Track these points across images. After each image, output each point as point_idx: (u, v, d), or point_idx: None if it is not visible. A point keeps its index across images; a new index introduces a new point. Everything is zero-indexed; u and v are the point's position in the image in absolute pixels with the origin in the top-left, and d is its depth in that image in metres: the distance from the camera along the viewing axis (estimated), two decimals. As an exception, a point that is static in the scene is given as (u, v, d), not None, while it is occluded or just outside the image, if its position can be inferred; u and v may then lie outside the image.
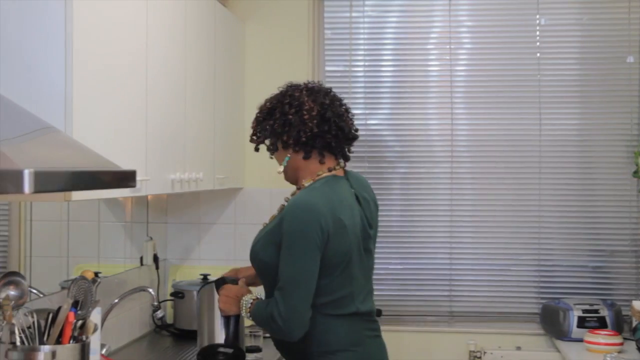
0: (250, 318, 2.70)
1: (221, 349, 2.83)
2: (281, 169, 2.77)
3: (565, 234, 4.31)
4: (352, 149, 2.84)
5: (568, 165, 4.30)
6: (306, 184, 2.71)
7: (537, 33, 4.32)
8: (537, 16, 4.31)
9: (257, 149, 2.85)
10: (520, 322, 4.30)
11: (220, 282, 2.86)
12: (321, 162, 2.72)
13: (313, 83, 2.81)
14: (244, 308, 2.70)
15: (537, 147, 4.29)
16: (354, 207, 2.69)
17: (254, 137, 2.83)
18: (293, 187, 2.83)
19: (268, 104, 2.79)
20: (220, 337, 2.88)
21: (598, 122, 4.29)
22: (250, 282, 2.89)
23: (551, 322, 4.09)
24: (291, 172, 2.77)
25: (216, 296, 2.87)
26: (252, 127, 2.83)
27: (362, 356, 2.69)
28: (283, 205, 2.73)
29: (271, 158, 2.87)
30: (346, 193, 2.71)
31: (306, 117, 2.68)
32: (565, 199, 4.31)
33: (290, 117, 2.69)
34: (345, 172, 2.80)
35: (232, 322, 2.83)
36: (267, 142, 2.79)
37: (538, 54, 4.30)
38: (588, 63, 4.31)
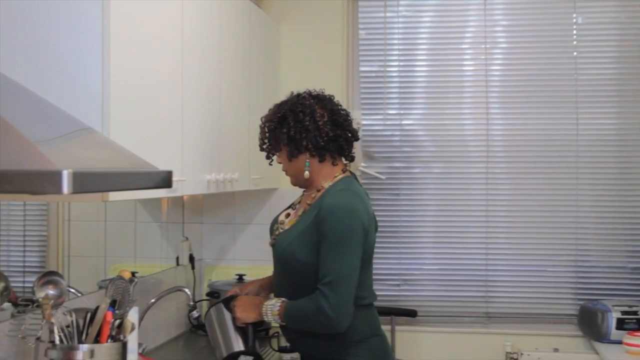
0: (279, 320, 2.79)
1: (243, 357, 2.90)
2: (307, 174, 2.89)
3: (603, 235, 4.26)
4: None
5: (605, 164, 4.25)
6: (326, 185, 2.88)
7: (574, 32, 4.27)
8: (574, 15, 4.26)
9: (269, 157, 3.00)
10: (558, 324, 4.26)
11: (229, 299, 2.96)
12: (334, 164, 2.91)
13: (316, 91, 2.97)
14: (269, 312, 2.81)
15: (574, 147, 4.25)
16: (368, 205, 2.88)
17: (266, 146, 2.97)
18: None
19: (278, 113, 2.91)
20: (236, 348, 2.93)
21: (636, 122, 4.23)
22: (256, 294, 3.06)
23: (589, 324, 4.05)
24: (302, 177, 2.91)
25: (226, 314, 2.94)
26: (262, 137, 2.97)
27: (384, 340, 2.95)
28: (307, 204, 2.88)
29: (270, 164, 3.05)
30: (363, 190, 2.93)
31: (320, 122, 2.86)
32: (602, 198, 4.26)
33: (307, 123, 2.85)
34: (351, 172, 2.99)
35: (250, 329, 2.91)
36: (284, 149, 2.90)
37: (575, 53, 4.26)
38: (626, 62, 4.26)
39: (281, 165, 3.00)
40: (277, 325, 2.91)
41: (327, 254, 2.72)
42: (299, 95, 2.95)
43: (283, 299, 2.83)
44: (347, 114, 2.96)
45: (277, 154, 2.96)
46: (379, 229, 3.02)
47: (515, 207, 4.32)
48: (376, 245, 2.95)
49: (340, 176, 2.90)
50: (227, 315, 2.95)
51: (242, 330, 2.93)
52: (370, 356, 2.86)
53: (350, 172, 2.98)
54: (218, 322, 3.00)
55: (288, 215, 3.01)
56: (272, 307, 2.81)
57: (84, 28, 2.21)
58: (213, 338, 3.02)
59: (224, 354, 2.97)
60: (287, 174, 2.98)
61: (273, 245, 2.96)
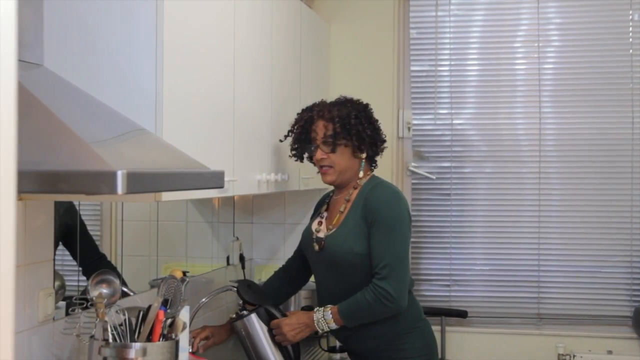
0: (335, 325, 2.91)
1: None
2: (361, 173, 3.06)
3: (659, 236, 4.18)
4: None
5: (662, 164, 4.18)
6: (362, 183, 3.05)
7: (630, 29, 4.20)
8: (630, 12, 4.19)
9: (301, 159, 3.21)
10: (612, 326, 4.20)
11: (269, 310, 3.00)
12: (371, 166, 3.13)
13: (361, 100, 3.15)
14: (323, 323, 2.92)
15: (630, 147, 4.18)
16: None
17: (335, 140, 3.02)
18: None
19: (350, 111, 3.04)
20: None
21: (694, 120, 4.15)
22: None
23: (644, 326, 3.99)
24: (350, 174, 3.06)
25: (259, 327, 2.97)
26: (330, 131, 3.02)
27: (429, 324, 3.11)
28: (346, 201, 3.03)
29: (301, 162, 3.23)
30: None
31: (375, 125, 3.11)
32: (658, 199, 4.18)
33: (375, 125, 3.10)
34: None
35: (294, 346, 3.02)
36: (351, 145, 3.03)
37: (631, 51, 4.18)
38: (683, 59, 4.17)
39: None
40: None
41: (380, 240, 2.87)
42: (351, 99, 3.13)
43: (330, 306, 2.93)
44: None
45: (337, 149, 3.02)
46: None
47: (568, 207, 4.26)
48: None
49: (371, 174, 3.11)
50: (261, 330, 2.97)
51: (281, 348, 2.99)
52: (422, 341, 3.01)
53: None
54: (251, 339, 2.99)
55: (320, 222, 3.13)
56: (325, 317, 2.91)
57: (138, 29, 2.23)
58: (247, 352, 3.02)
59: None
60: (328, 170, 3.06)
61: (321, 249, 3.02)
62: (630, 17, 4.19)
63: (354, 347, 3.07)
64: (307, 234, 3.16)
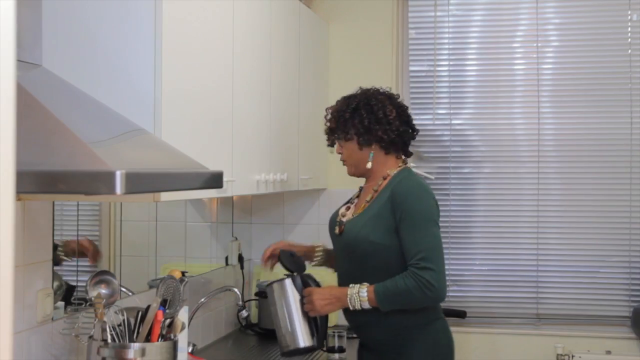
0: (369, 304, 2.86)
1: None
2: (369, 165, 3.05)
3: (657, 236, 4.18)
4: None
5: (661, 164, 4.18)
6: (392, 173, 3.04)
7: (629, 29, 4.20)
8: (629, 12, 4.19)
9: (332, 144, 3.16)
10: (611, 326, 4.20)
11: (304, 279, 2.98)
12: (397, 157, 3.10)
13: (383, 89, 3.14)
14: (356, 300, 2.87)
15: (628, 147, 4.18)
16: None
17: (336, 135, 3.10)
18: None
19: (350, 104, 3.06)
20: (302, 336, 2.95)
21: (692, 121, 4.15)
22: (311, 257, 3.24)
23: (643, 327, 3.99)
24: (363, 166, 3.07)
25: (291, 295, 2.96)
26: (334, 125, 3.10)
27: (446, 324, 3.09)
28: (374, 191, 3.03)
29: (331, 152, 3.25)
30: None
31: (391, 117, 3.03)
32: (657, 199, 4.18)
33: (380, 116, 3.02)
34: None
35: (323, 322, 2.98)
36: (355, 138, 3.05)
37: (629, 51, 4.19)
38: (682, 59, 4.17)
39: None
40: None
41: (413, 233, 2.88)
42: (368, 90, 3.11)
43: (366, 283, 2.88)
44: (409, 113, 3.15)
45: (342, 143, 3.09)
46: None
47: (567, 207, 4.26)
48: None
49: (402, 167, 3.08)
50: (293, 297, 2.96)
51: (309, 319, 2.96)
52: (434, 339, 2.99)
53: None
54: (281, 303, 2.98)
55: (348, 208, 3.14)
56: (360, 294, 2.87)
57: (136, 29, 2.24)
58: (274, 317, 2.99)
59: (288, 344, 2.95)
60: (345, 163, 3.13)
61: (340, 233, 3.06)
62: (629, 17, 4.19)
63: (365, 337, 3.09)
64: (333, 216, 3.19)
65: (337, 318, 3.98)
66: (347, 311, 3.00)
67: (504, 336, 4.21)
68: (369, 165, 3.05)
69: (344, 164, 3.16)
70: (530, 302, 4.28)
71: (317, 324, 2.97)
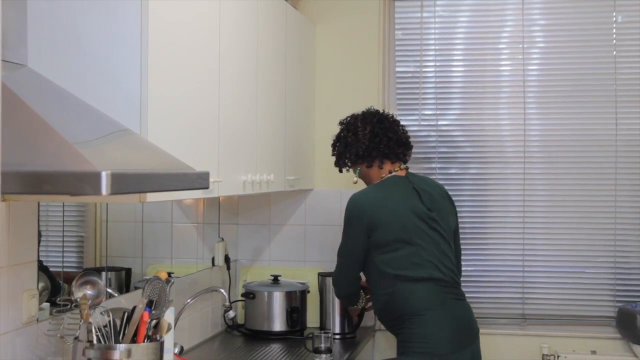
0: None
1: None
2: (355, 179, 3.59)
3: (642, 236, 4.20)
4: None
5: (645, 165, 4.20)
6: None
7: (614, 31, 4.21)
8: (614, 14, 4.21)
9: (340, 171, 3.70)
10: (596, 326, 4.21)
11: None
12: (380, 167, 3.52)
13: (372, 109, 3.65)
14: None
15: (613, 148, 4.19)
16: (408, 197, 3.42)
17: (336, 161, 3.66)
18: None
19: (340, 133, 3.63)
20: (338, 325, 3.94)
21: (677, 122, 4.17)
22: None
23: (628, 326, 4.00)
24: (363, 179, 3.58)
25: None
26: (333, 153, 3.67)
27: (447, 314, 3.29)
28: None
29: (347, 171, 3.68)
30: (400, 188, 3.45)
31: (360, 135, 3.52)
32: (642, 200, 4.20)
33: (349, 139, 3.54)
34: (407, 173, 3.56)
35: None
36: (349, 164, 3.62)
37: (614, 52, 4.20)
38: (666, 61, 4.19)
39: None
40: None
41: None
42: (353, 116, 3.63)
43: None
44: (394, 122, 3.60)
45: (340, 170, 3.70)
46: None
47: (553, 208, 4.27)
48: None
49: (386, 177, 3.51)
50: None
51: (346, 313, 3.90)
52: (422, 329, 3.24)
53: (407, 172, 3.57)
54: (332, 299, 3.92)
55: None
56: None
57: (123, 30, 2.23)
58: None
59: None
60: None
61: None
62: (614, 19, 4.21)
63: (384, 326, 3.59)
64: None
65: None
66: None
67: (490, 336, 4.21)
68: (355, 179, 3.60)
69: None
70: (516, 302, 4.29)
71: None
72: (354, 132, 3.54)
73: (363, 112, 3.62)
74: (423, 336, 3.24)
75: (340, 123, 3.65)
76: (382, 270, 3.34)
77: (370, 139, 3.50)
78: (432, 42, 4.38)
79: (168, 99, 2.40)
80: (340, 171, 3.67)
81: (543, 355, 4.15)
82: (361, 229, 3.36)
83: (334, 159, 3.68)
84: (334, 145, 3.64)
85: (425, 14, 4.38)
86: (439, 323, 3.26)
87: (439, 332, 3.25)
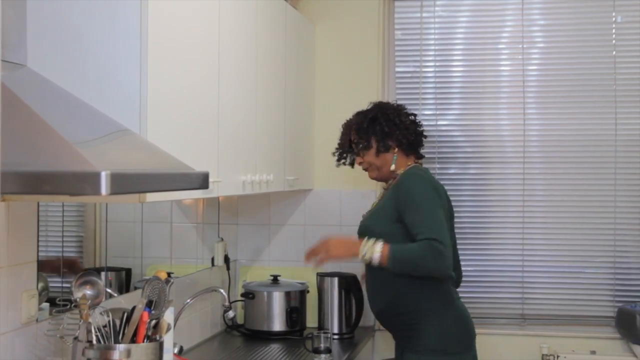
0: (379, 260, 3.16)
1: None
2: (393, 167, 3.43)
3: (641, 236, 4.20)
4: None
5: (645, 165, 4.20)
6: (400, 172, 3.42)
7: (613, 31, 4.22)
8: (613, 13, 4.21)
9: (352, 163, 3.62)
10: (595, 326, 4.21)
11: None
12: (415, 160, 3.51)
13: (393, 102, 3.68)
14: (370, 249, 3.17)
15: (613, 148, 4.19)
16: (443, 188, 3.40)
17: (357, 145, 3.47)
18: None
19: (368, 115, 3.48)
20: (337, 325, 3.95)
21: (677, 122, 4.17)
22: None
23: (627, 326, 4.00)
24: (387, 169, 3.45)
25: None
26: (356, 136, 3.48)
27: (461, 312, 3.34)
28: (384, 189, 3.50)
29: (352, 167, 3.64)
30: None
31: (407, 122, 3.47)
32: (642, 200, 4.21)
33: (397, 121, 3.44)
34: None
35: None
36: (375, 145, 3.43)
37: (614, 52, 4.20)
38: (666, 61, 4.19)
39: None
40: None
41: (419, 214, 3.19)
42: (380, 102, 3.58)
43: (382, 240, 3.18)
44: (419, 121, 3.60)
45: (362, 153, 3.45)
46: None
47: (553, 208, 4.27)
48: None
49: (412, 164, 3.46)
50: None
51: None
52: (440, 326, 3.24)
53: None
54: None
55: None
56: (375, 247, 3.16)
57: (122, 30, 2.23)
58: None
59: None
60: (369, 169, 3.49)
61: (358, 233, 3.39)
62: (614, 19, 4.21)
63: (386, 324, 3.46)
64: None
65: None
66: (369, 299, 3.42)
67: (489, 336, 4.21)
68: (393, 167, 3.42)
69: (366, 170, 3.52)
70: (515, 302, 4.29)
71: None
72: (399, 117, 3.48)
73: (384, 104, 3.60)
74: (440, 333, 3.25)
75: (380, 106, 3.53)
76: None
77: (416, 128, 3.51)
78: (432, 42, 4.38)
79: (168, 99, 2.40)
80: (377, 156, 3.43)
81: (542, 355, 4.15)
82: (442, 207, 3.26)
83: (333, 157, 3.65)
84: (368, 126, 3.44)
85: (425, 14, 4.38)
86: (455, 321, 3.30)
87: (456, 330, 3.28)
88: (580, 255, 4.24)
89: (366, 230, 3.30)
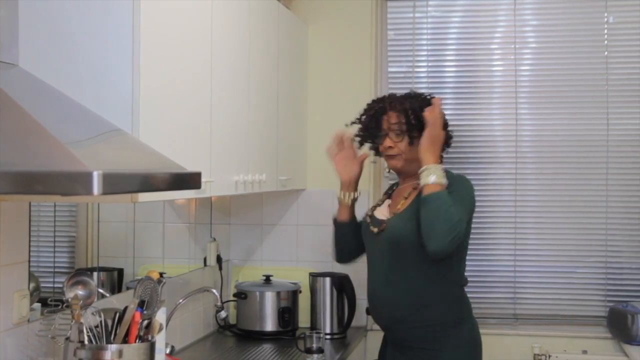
0: (435, 179, 3.02)
1: None
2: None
3: (633, 236, 4.21)
4: None
5: (636, 165, 4.20)
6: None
7: (605, 31, 4.23)
8: (605, 14, 4.22)
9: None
10: (587, 326, 4.22)
11: None
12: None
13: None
14: (435, 172, 3.05)
15: (605, 148, 4.21)
16: None
17: (400, 127, 3.19)
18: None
19: (424, 103, 3.19)
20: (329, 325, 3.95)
21: (668, 122, 4.19)
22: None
23: (619, 326, 4.01)
24: (416, 164, 3.12)
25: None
26: (398, 119, 3.19)
27: (476, 325, 3.26)
28: (414, 189, 3.18)
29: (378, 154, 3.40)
30: None
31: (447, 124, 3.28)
32: (633, 200, 4.21)
33: (445, 120, 3.23)
34: None
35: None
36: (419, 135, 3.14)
37: (606, 53, 4.22)
38: (658, 61, 4.21)
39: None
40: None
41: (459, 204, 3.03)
42: (423, 94, 3.30)
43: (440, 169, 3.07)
44: None
45: (402, 137, 3.18)
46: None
47: (545, 208, 4.28)
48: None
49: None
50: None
51: None
52: (468, 336, 3.16)
53: None
54: None
55: (375, 208, 3.33)
56: (441, 173, 3.03)
57: (115, 30, 2.23)
58: None
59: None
60: (397, 157, 3.22)
61: (380, 231, 3.18)
62: (605, 19, 4.22)
63: (402, 335, 3.18)
64: (364, 218, 3.35)
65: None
66: (382, 308, 3.20)
67: (481, 336, 4.21)
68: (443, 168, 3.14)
69: (388, 157, 3.25)
70: (507, 302, 4.30)
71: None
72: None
73: (429, 97, 3.29)
74: (466, 350, 3.19)
75: (420, 95, 3.30)
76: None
77: (446, 126, 3.28)
78: (425, 42, 4.38)
79: (160, 99, 2.39)
80: (411, 145, 3.18)
81: (534, 355, 4.16)
82: (473, 209, 3.20)
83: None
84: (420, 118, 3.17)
85: (417, 14, 4.38)
86: (477, 332, 3.27)
87: (477, 343, 3.24)
88: (572, 255, 4.26)
89: (407, 235, 3.08)
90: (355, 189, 3.41)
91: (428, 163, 3.05)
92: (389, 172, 3.57)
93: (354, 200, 3.41)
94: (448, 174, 3.13)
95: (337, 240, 3.47)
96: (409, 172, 3.23)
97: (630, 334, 3.92)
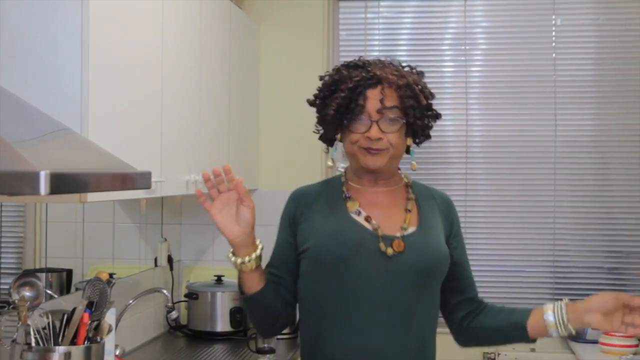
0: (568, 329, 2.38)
1: None
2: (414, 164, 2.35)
3: (580, 235, 4.28)
4: None
5: (583, 166, 4.28)
6: (408, 177, 2.41)
7: (553, 33, 4.29)
8: (553, 16, 4.28)
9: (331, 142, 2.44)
10: (535, 324, 4.27)
11: None
12: None
13: None
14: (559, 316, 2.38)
15: (552, 148, 4.27)
16: None
17: (411, 109, 2.22)
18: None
19: (411, 78, 2.26)
20: None
21: (614, 123, 4.26)
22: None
23: (566, 324, 4.07)
24: (397, 163, 2.32)
25: None
26: (395, 101, 2.19)
27: None
28: (407, 199, 2.31)
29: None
30: None
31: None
32: (580, 199, 4.28)
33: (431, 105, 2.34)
34: None
35: None
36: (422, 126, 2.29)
37: (554, 55, 4.28)
38: (604, 63, 4.28)
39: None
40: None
41: (466, 257, 2.41)
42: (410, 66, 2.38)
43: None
44: None
45: (394, 125, 2.19)
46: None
47: (494, 207, 4.34)
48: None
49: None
50: None
51: None
52: None
53: None
54: None
55: (366, 217, 2.24)
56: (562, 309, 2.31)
57: (63, 28, 2.20)
58: None
59: None
60: (386, 152, 2.21)
61: (398, 252, 2.18)
62: (553, 21, 4.29)
63: None
64: (352, 233, 2.21)
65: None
66: (364, 335, 2.20)
67: (432, 335, 4.25)
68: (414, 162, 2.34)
69: (369, 151, 2.22)
70: (457, 301, 4.33)
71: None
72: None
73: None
74: None
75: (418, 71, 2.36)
76: None
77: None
78: (376, 42, 4.41)
79: (109, 98, 2.37)
80: (404, 137, 2.27)
81: (483, 353, 4.20)
82: None
83: (317, 150, 3.12)
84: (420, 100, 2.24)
85: (369, 15, 4.41)
86: None
87: None
88: (520, 254, 4.31)
89: (444, 256, 2.27)
90: (254, 243, 2.28)
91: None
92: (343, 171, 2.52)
93: (258, 257, 2.26)
94: (435, 193, 2.39)
95: (257, 317, 2.37)
96: (386, 172, 2.30)
97: (577, 331, 3.97)
